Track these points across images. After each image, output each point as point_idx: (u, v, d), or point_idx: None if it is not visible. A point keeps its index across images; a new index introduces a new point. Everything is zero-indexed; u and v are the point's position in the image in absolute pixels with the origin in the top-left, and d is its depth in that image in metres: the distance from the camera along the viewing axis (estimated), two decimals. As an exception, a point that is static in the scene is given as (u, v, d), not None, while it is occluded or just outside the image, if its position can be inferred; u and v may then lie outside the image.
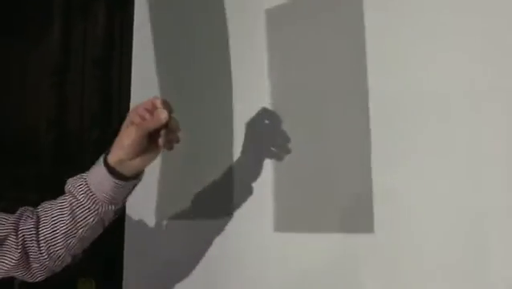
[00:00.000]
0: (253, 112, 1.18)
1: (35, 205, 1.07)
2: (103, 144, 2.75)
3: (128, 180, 1.00)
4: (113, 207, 1.00)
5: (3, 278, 1.02)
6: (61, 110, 2.90)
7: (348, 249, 1.03)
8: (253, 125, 1.18)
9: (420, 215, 0.95)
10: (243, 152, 1.18)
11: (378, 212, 1.00)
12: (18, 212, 1.04)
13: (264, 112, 1.15)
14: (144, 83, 1.48)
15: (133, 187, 1.02)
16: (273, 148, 1.15)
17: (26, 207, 1.05)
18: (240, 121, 1.20)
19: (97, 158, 2.82)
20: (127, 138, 0.97)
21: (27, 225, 1.01)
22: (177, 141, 1.02)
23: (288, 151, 1.12)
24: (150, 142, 0.99)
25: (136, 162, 0.98)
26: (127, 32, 2.67)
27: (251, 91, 1.19)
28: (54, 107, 2.89)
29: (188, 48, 1.36)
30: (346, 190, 1.04)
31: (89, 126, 2.79)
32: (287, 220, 1.13)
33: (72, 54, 2.88)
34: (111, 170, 0.98)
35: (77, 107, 2.87)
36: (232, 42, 1.25)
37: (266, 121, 1.16)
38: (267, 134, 1.15)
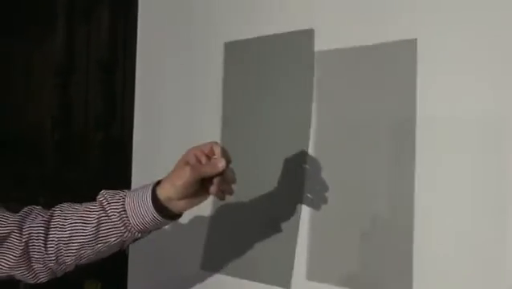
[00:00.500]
0: (293, 156, 1.14)
1: (40, 205, 1.06)
2: (107, 146, 2.78)
3: (168, 218, 0.99)
4: (139, 235, 0.99)
5: (9, 279, 1.02)
6: (65, 111, 2.91)
7: None
8: (290, 169, 1.15)
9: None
10: (277, 193, 1.15)
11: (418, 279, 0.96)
12: (24, 210, 1.02)
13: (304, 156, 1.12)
14: (148, 87, 1.48)
15: (167, 224, 1.01)
16: (309, 196, 1.11)
17: (34, 206, 1.04)
18: (275, 160, 1.16)
19: (100, 159, 2.82)
20: (180, 178, 0.95)
21: (35, 223, 0.99)
22: (231, 193, 1.00)
23: (326, 199, 1.09)
24: (201, 187, 0.97)
25: (182, 203, 0.97)
26: (130, 34, 2.68)
27: (289, 124, 1.16)
28: (58, 108, 2.90)
29: (194, 50, 1.35)
30: (387, 247, 1.01)
31: (93, 127, 2.80)
32: (321, 270, 1.09)
33: (76, 56, 2.89)
34: (157, 204, 0.96)
35: (81, 108, 2.88)
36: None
37: (306, 166, 1.12)
38: (308, 178, 1.12)
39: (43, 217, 1.00)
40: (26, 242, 0.98)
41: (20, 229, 0.99)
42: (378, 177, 1.02)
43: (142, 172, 1.47)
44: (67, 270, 1.03)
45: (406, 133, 0.99)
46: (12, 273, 1.00)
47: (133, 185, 1.47)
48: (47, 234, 0.99)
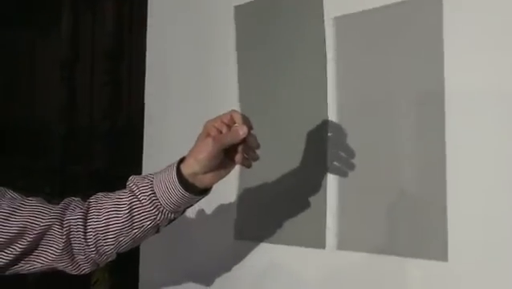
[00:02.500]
0: (314, 124, 1.12)
1: (48, 197, 1.06)
2: (114, 136, 2.77)
3: (197, 194, 0.97)
4: (172, 216, 0.98)
5: (15, 275, 1.01)
6: (71, 102, 2.90)
7: (421, 275, 0.96)
8: (312, 137, 1.12)
9: (498, 244, 0.89)
10: (302, 166, 1.13)
11: (453, 239, 0.93)
12: (64, 201, 1.02)
13: (327, 125, 1.10)
14: (158, 76, 1.47)
15: (198, 200, 1.00)
16: (336, 163, 1.09)
17: (73, 197, 1.03)
18: (298, 132, 1.14)
19: (107, 150, 2.82)
20: (203, 151, 0.93)
21: (74, 215, 0.98)
22: (255, 159, 0.98)
23: (353, 165, 1.06)
24: (226, 157, 0.96)
25: (209, 177, 0.95)
26: (136, 24, 2.67)
27: (309, 98, 1.13)
28: (63, 99, 2.90)
29: (206, 37, 1.33)
30: (419, 212, 0.98)
31: (99, 118, 2.79)
32: (351, 238, 1.07)
33: (81, 46, 2.88)
34: (183, 181, 0.95)
35: (87, 98, 2.87)
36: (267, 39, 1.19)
37: (330, 134, 1.10)
38: (331, 147, 1.10)
39: (81, 208, 1.00)
40: (67, 235, 0.98)
41: (61, 222, 0.98)
42: (406, 144, 0.99)
43: (154, 161, 1.46)
44: (109, 259, 1.02)
45: (434, 98, 0.95)
46: (55, 265, 1.00)
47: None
48: (86, 226, 0.98)
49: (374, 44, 1.03)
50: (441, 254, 0.94)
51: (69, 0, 2.86)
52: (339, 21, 1.08)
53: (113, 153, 2.70)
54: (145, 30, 1.52)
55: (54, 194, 2.65)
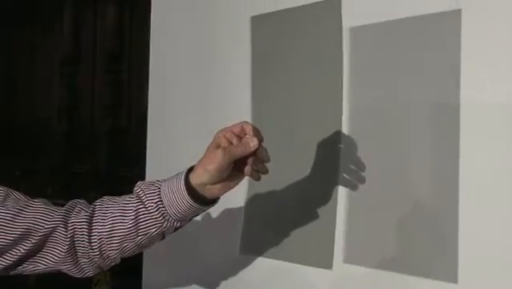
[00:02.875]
0: (326, 135, 1.10)
1: (48, 196, 1.05)
2: (115, 135, 2.76)
3: (205, 204, 0.96)
4: (178, 224, 0.97)
5: (16, 276, 1.01)
6: (72, 101, 2.90)
7: None
8: (324, 149, 1.11)
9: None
10: (313, 179, 1.12)
11: (464, 259, 0.91)
12: (69, 204, 1.01)
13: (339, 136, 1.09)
14: (162, 76, 1.46)
15: (205, 210, 0.99)
16: (346, 175, 1.07)
17: (78, 200, 1.02)
18: (311, 142, 1.12)
19: (108, 149, 2.81)
20: (212, 162, 0.92)
21: (79, 218, 0.98)
22: (265, 172, 0.97)
23: (364, 179, 1.05)
24: (235, 169, 0.95)
25: (217, 187, 0.94)
26: (137, 23, 2.66)
27: (323, 107, 1.11)
28: (65, 99, 2.90)
29: (212, 41, 1.33)
30: (430, 229, 0.96)
31: (100, 117, 2.79)
32: (359, 252, 1.05)
33: (83, 46, 2.88)
34: (191, 191, 0.94)
35: (88, 98, 2.87)
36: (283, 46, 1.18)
37: (341, 146, 1.08)
38: (343, 159, 1.08)
39: (86, 211, 0.99)
40: (72, 237, 0.97)
41: (65, 224, 0.97)
42: (419, 158, 0.97)
43: (157, 161, 1.45)
44: (113, 264, 1.02)
45: (450, 112, 0.93)
46: (58, 267, 1.00)
47: (148, 175, 1.46)
48: (90, 229, 0.97)
49: (390, 55, 1.02)
50: (451, 275, 0.91)
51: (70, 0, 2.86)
52: (355, 31, 1.06)
53: (115, 153, 2.70)
54: (147, 29, 1.52)
55: (56, 194, 2.65)
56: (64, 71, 2.89)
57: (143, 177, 1.44)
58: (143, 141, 1.50)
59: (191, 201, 0.94)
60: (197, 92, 1.36)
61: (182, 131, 1.38)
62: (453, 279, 0.91)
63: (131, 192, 1.01)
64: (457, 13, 0.92)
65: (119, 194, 1.03)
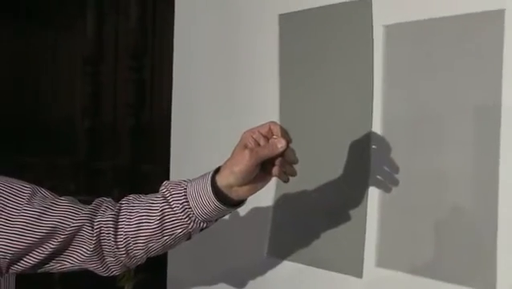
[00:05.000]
0: (357, 136, 1.08)
1: (71, 193, 1.05)
2: (137, 132, 2.78)
3: (231, 206, 0.95)
4: (204, 225, 0.96)
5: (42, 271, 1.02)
6: (94, 99, 2.92)
7: None
8: (355, 151, 1.08)
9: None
10: (343, 181, 1.09)
11: (502, 268, 0.87)
12: (95, 202, 1.00)
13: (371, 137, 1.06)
14: (186, 74, 1.46)
15: (231, 212, 0.98)
16: (379, 177, 1.04)
17: (104, 198, 1.02)
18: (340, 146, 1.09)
19: (131, 146, 2.82)
20: (239, 163, 0.91)
21: (105, 217, 0.97)
22: (293, 174, 0.94)
23: (397, 181, 1.01)
24: (262, 170, 0.92)
25: (244, 189, 0.92)
26: (160, 20, 2.68)
27: (353, 109, 1.08)
28: (87, 97, 2.92)
29: (235, 33, 1.31)
30: (467, 236, 0.92)
31: (122, 115, 2.81)
32: (392, 256, 1.02)
33: (105, 44, 2.90)
34: (217, 192, 0.92)
35: (110, 96, 2.89)
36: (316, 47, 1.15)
37: (374, 146, 1.04)
38: (375, 161, 1.05)
39: (112, 210, 0.98)
40: (98, 236, 0.97)
41: (92, 223, 0.97)
42: (457, 161, 0.94)
43: (180, 157, 1.45)
44: (139, 263, 1.01)
45: (490, 115, 0.89)
46: (85, 266, 1.00)
47: (172, 172, 1.46)
48: (116, 229, 0.97)
49: (426, 55, 0.98)
50: (489, 283, 0.88)
51: (93, -1, 2.89)
52: (390, 29, 1.03)
53: (138, 150, 2.72)
54: (170, 26, 1.52)
55: (79, 191, 2.67)
56: (87, 70, 2.92)
57: (167, 174, 1.44)
58: (166, 138, 1.51)
59: (217, 203, 0.93)
60: (221, 89, 1.36)
61: (206, 128, 1.38)
62: (491, 288, 0.88)
63: (154, 189, 1.00)
64: (500, 13, 0.88)
65: (143, 191, 1.02)
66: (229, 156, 0.95)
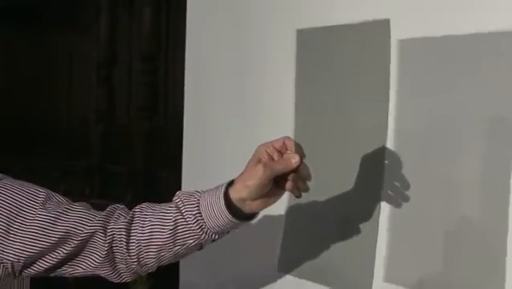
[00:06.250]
0: (371, 150, 1.07)
1: (86, 196, 1.06)
2: (151, 136, 2.78)
3: (243, 219, 0.95)
4: (216, 237, 0.96)
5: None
6: (108, 103, 2.94)
7: None
8: (368, 165, 1.08)
9: None
10: (354, 191, 1.09)
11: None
12: (108, 209, 1.01)
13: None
14: (198, 78, 1.46)
15: (243, 225, 0.98)
16: (391, 192, 1.04)
17: (117, 205, 1.02)
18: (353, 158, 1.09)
19: (144, 150, 2.82)
20: (252, 178, 0.91)
21: (118, 224, 0.97)
22: (306, 190, 0.95)
23: (408, 197, 1.01)
24: (275, 184, 0.93)
25: (257, 203, 0.93)
26: (173, 24, 2.69)
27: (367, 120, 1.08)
28: (101, 101, 2.94)
29: (249, 39, 1.32)
30: (478, 250, 0.92)
31: (136, 118, 2.82)
32: (402, 271, 1.02)
33: (119, 48, 2.91)
34: (230, 205, 0.92)
35: (124, 99, 2.91)
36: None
37: (386, 162, 1.05)
38: (387, 174, 1.05)
39: (125, 217, 0.98)
40: (110, 243, 0.97)
41: (104, 229, 0.97)
42: (467, 175, 0.94)
43: (193, 160, 1.46)
44: (150, 271, 1.01)
45: (502, 129, 0.90)
46: (97, 272, 1.00)
47: (184, 175, 1.46)
48: (129, 236, 0.97)
49: (441, 71, 0.99)
50: None
51: (107, 2, 2.90)
52: (406, 44, 1.03)
53: (151, 154, 2.73)
54: (183, 30, 1.53)
55: (93, 194, 2.68)
56: (101, 73, 2.93)
57: (179, 177, 1.45)
58: (179, 142, 1.51)
59: (229, 216, 0.93)
60: (234, 94, 1.36)
61: (218, 131, 1.38)
62: None
63: (168, 192, 1.01)
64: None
65: (156, 194, 1.03)
66: (240, 160, 0.95)
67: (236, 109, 1.34)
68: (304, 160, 0.92)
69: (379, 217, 1.05)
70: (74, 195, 1.05)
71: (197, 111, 1.46)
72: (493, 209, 0.90)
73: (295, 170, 0.91)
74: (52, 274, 1.00)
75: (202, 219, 0.93)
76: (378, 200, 1.05)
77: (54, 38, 3.04)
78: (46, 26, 3.02)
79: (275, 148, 0.92)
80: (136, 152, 2.80)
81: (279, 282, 1.21)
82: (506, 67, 0.90)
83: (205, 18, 1.45)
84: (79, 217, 0.97)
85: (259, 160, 0.92)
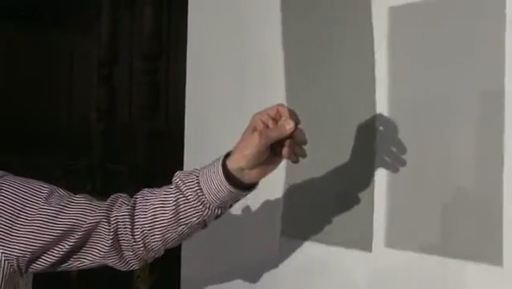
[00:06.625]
0: (363, 119, 1.09)
1: (89, 194, 1.07)
2: (152, 135, 2.79)
3: (244, 189, 0.95)
4: (219, 211, 0.96)
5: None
6: (110, 102, 2.95)
7: (472, 280, 0.92)
8: (362, 132, 1.09)
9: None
10: (350, 162, 1.11)
11: (509, 243, 0.88)
12: (110, 198, 1.01)
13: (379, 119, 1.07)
14: (199, 75, 1.47)
15: (245, 195, 0.99)
16: (386, 158, 1.05)
17: (119, 194, 1.03)
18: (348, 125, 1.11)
19: (145, 149, 2.83)
20: (249, 146, 0.92)
21: (121, 212, 0.98)
22: (303, 156, 0.96)
23: (404, 161, 1.03)
24: (272, 152, 0.93)
25: (255, 172, 0.93)
26: (174, 23, 2.69)
27: (361, 93, 1.10)
28: (102, 100, 2.95)
29: (248, 37, 1.33)
30: (473, 213, 0.94)
31: (137, 117, 2.83)
32: (401, 236, 1.03)
33: (120, 47, 2.92)
34: (229, 176, 0.93)
35: (125, 99, 2.91)
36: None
37: (381, 128, 1.07)
38: (381, 142, 1.06)
39: (128, 204, 0.99)
40: (115, 231, 0.98)
41: (108, 219, 0.98)
42: (462, 141, 0.95)
43: (194, 159, 1.46)
44: (157, 255, 1.02)
45: (494, 97, 0.91)
46: (104, 262, 1.01)
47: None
48: (133, 222, 0.98)
49: (431, 38, 1.00)
50: (496, 257, 0.89)
51: (108, 2, 2.91)
52: (395, 11, 1.04)
53: (152, 152, 2.73)
54: (184, 29, 1.54)
55: (95, 193, 2.69)
56: (102, 72, 2.94)
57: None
58: (180, 140, 1.52)
59: (229, 187, 0.93)
60: (235, 92, 1.37)
61: (219, 129, 1.39)
62: (498, 262, 0.89)
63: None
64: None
65: (158, 193, 1.04)
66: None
67: (237, 107, 1.35)
68: (299, 126, 0.93)
69: (374, 183, 1.07)
70: (75, 193, 1.06)
71: (199, 110, 1.47)
72: (487, 174, 0.92)
73: (291, 136, 0.92)
74: (59, 269, 1.01)
75: (203, 194, 0.94)
76: (372, 167, 1.07)
77: (56, 37, 3.05)
78: (47, 25, 3.02)
79: (270, 116, 0.93)
80: (136, 151, 2.81)
81: (282, 246, 1.22)
82: (492, 30, 0.90)
83: (206, 18, 1.46)
84: (81, 209, 0.98)
85: (254, 129, 0.93)
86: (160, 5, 2.76)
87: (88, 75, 3.00)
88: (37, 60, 3.06)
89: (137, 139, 2.80)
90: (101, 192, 2.83)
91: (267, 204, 1.26)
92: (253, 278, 1.29)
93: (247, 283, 1.30)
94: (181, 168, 1.50)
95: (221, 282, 1.36)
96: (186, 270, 1.47)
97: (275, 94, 1.26)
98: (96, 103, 2.96)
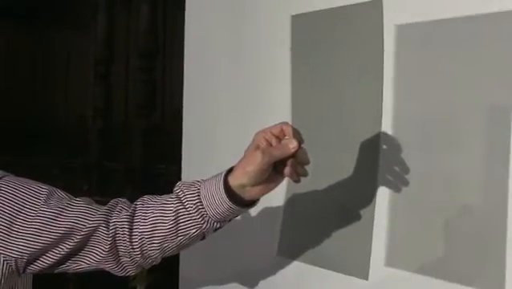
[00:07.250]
0: (367, 136, 1.09)
1: (84, 193, 1.06)
2: (149, 133, 2.79)
3: (244, 206, 0.96)
4: (218, 225, 0.97)
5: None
6: (106, 100, 2.94)
7: None
8: (366, 150, 1.08)
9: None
10: (351, 177, 1.11)
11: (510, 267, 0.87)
12: (110, 203, 1.01)
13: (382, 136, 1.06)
14: (197, 74, 1.47)
15: (244, 212, 0.99)
16: (389, 177, 1.05)
17: (119, 199, 1.03)
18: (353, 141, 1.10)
19: (142, 147, 2.83)
20: (251, 164, 0.92)
21: (120, 218, 0.98)
22: (305, 175, 0.95)
23: (407, 181, 1.02)
24: (274, 170, 0.94)
25: (257, 189, 0.94)
26: (171, 21, 2.69)
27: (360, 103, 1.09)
28: (99, 98, 2.94)
29: (246, 33, 1.32)
30: (476, 237, 0.93)
31: (134, 115, 2.82)
32: (400, 256, 1.02)
33: (116, 45, 2.91)
34: (230, 192, 0.93)
35: (122, 97, 2.91)
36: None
37: (384, 146, 1.06)
38: (383, 159, 1.06)
39: (127, 211, 0.99)
40: (113, 237, 0.98)
41: (107, 223, 0.98)
42: (467, 161, 0.94)
43: (192, 157, 1.46)
44: (154, 263, 1.03)
45: (501, 116, 0.90)
46: (101, 266, 1.01)
47: (183, 172, 1.47)
48: (132, 229, 0.98)
49: (438, 55, 0.99)
50: (497, 284, 0.88)
51: (104, 0, 2.90)
52: (402, 29, 1.04)
53: (150, 150, 2.73)
54: (181, 27, 1.53)
55: (92, 191, 2.69)
56: (99, 70, 2.93)
57: (178, 174, 1.45)
58: (178, 138, 1.51)
59: (230, 203, 0.94)
60: (233, 89, 1.36)
61: (217, 128, 1.38)
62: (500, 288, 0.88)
63: (167, 189, 1.01)
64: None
65: (155, 191, 1.03)
66: (240, 155, 0.96)
67: (235, 105, 1.35)
68: (302, 146, 0.93)
69: (375, 202, 1.06)
70: (72, 192, 1.05)
71: (197, 107, 1.47)
72: (492, 196, 0.91)
73: (293, 155, 0.92)
74: (56, 271, 1.00)
75: (203, 208, 0.94)
76: (374, 186, 1.06)
77: (52, 36, 3.04)
78: (43, 23, 3.01)
79: (273, 135, 0.93)
80: (133, 149, 2.80)
81: (279, 266, 1.22)
82: (503, 48, 0.89)
83: (203, 14, 1.45)
84: (81, 212, 0.98)
85: (257, 147, 0.93)
86: (155, 2, 2.76)
87: (85, 74, 2.99)
88: (33, 59, 3.05)
89: (134, 137, 2.80)
90: (98, 190, 2.83)
91: (267, 218, 1.25)
92: (251, 279, 1.28)
93: (246, 283, 1.30)
94: (178, 166, 1.50)
95: (219, 283, 1.36)
96: (185, 270, 1.47)
97: (275, 91, 1.26)
98: (92, 102, 2.95)
